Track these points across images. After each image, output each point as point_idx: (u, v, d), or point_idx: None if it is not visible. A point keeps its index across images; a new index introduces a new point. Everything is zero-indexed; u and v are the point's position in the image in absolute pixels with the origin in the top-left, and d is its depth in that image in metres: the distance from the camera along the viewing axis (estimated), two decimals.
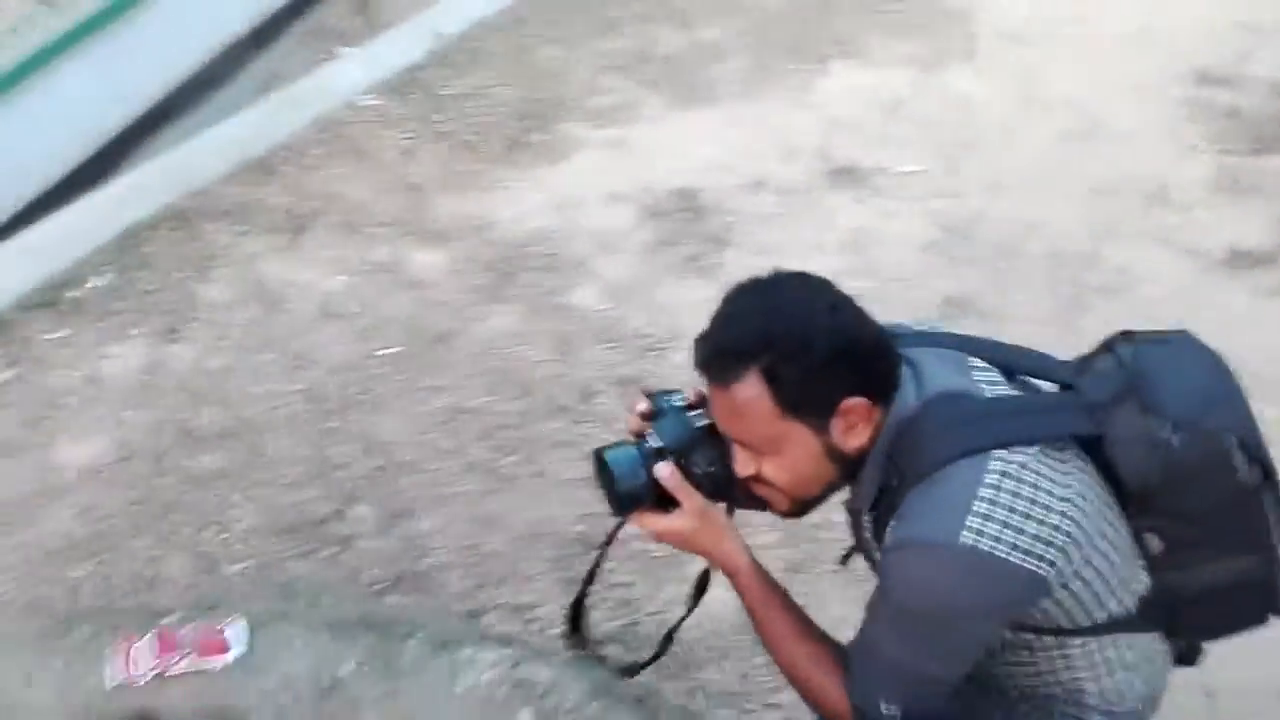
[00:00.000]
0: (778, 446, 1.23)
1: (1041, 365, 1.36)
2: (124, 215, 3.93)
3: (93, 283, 3.73)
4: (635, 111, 4.48)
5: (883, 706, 1.19)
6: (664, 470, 1.28)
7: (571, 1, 5.19)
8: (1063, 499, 1.21)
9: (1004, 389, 1.30)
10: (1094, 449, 1.27)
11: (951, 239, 3.65)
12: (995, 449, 1.20)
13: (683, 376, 3.08)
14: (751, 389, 1.20)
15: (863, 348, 1.23)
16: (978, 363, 1.32)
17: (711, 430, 1.29)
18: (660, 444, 1.29)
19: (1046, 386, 1.34)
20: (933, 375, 1.27)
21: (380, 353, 3.41)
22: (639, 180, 4.08)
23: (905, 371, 1.27)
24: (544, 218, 3.92)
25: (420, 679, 1.15)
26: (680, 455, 1.29)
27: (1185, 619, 1.35)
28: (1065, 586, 1.22)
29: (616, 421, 3.10)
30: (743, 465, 1.28)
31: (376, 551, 2.80)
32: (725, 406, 1.24)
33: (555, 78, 4.73)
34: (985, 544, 1.15)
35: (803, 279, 1.27)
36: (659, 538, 1.33)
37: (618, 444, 1.32)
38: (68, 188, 4.38)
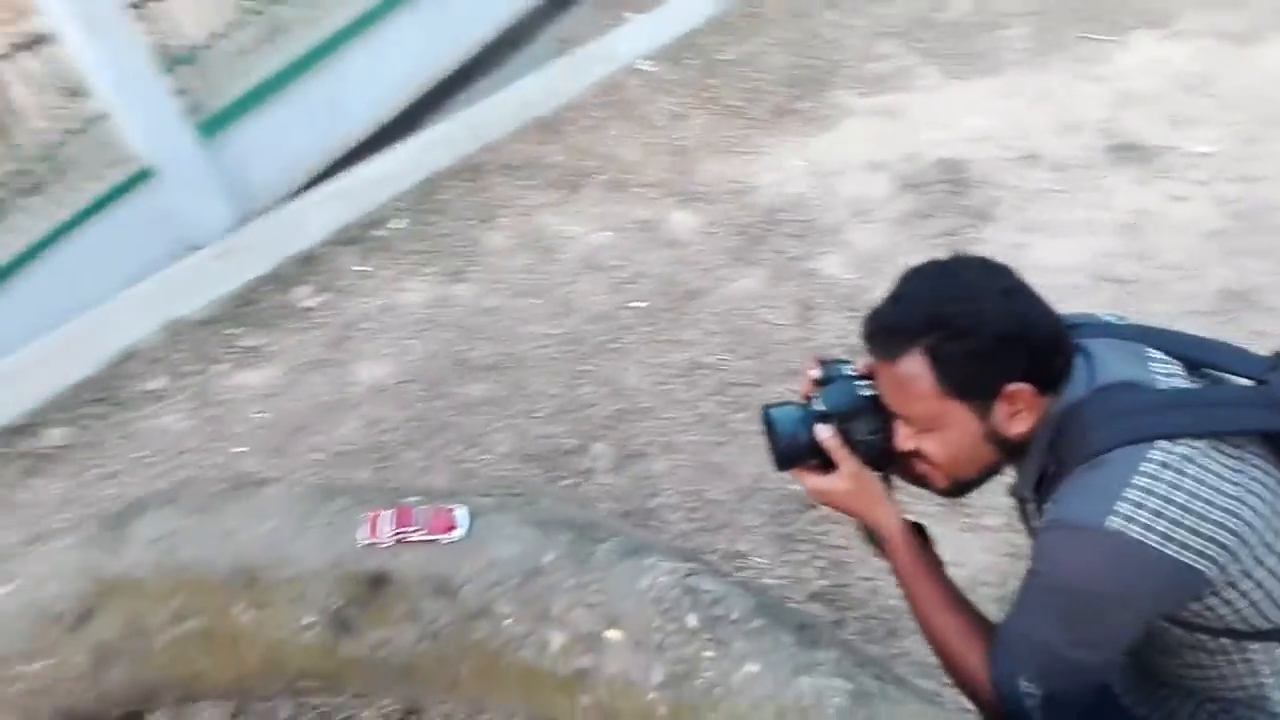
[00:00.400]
0: (938, 425, 1.25)
1: (1233, 360, 1.29)
2: (425, 165, 4.38)
3: (394, 224, 4.20)
4: (908, 80, 4.41)
5: (1021, 685, 1.19)
6: (824, 432, 1.34)
7: None
8: (1232, 496, 1.16)
9: (1181, 382, 1.25)
10: None
11: (1239, 227, 3.34)
12: (1160, 439, 1.17)
13: None
14: (915, 366, 1.21)
15: (1033, 335, 1.21)
16: (1157, 355, 1.27)
17: (876, 401, 1.32)
18: (824, 408, 1.34)
19: (1237, 382, 1.27)
20: (1105, 365, 1.24)
21: (633, 305, 3.62)
22: (903, 149, 4.03)
23: (1079, 361, 1.25)
24: (802, 184, 3.97)
25: (607, 575, 1.29)
26: (842, 421, 1.33)
27: None
28: (1233, 586, 1.17)
29: None
30: (903, 439, 1.30)
31: (610, 487, 3.02)
32: (889, 381, 1.27)
33: (830, 44, 4.72)
34: (1135, 531, 1.13)
35: (982, 263, 1.27)
36: (815, 496, 1.39)
37: (785, 404, 1.38)
38: (383, 137, 4.93)
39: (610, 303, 3.66)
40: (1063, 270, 3.33)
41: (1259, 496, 1.18)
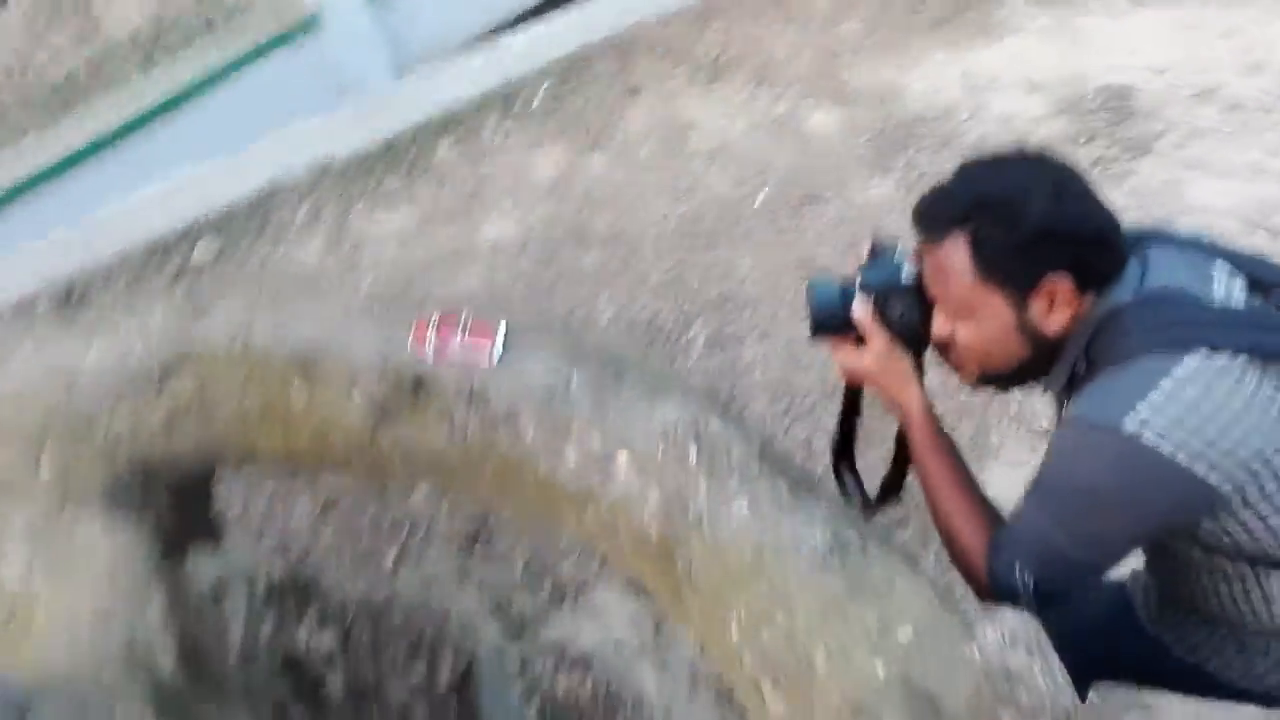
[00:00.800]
0: (973, 311, 1.24)
1: None
2: (576, 38, 4.40)
3: (539, 93, 4.26)
4: (1089, 1, 4.12)
5: (1016, 570, 1.19)
6: (859, 304, 1.34)
7: None
8: (1261, 416, 1.10)
9: (1241, 299, 1.18)
10: None
11: None
12: (1198, 350, 1.12)
13: None
14: (956, 249, 1.21)
15: (1079, 232, 1.18)
16: (1224, 269, 1.21)
17: (918, 283, 1.32)
18: (864, 283, 1.35)
19: None
20: (1159, 272, 1.20)
21: (756, 196, 3.59)
22: (1067, 71, 3.80)
23: (1132, 265, 1.21)
24: (953, 96, 3.81)
25: (625, 405, 1.35)
26: (880, 298, 1.34)
27: None
28: (1252, 509, 1.13)
29: None
30: (939, 325, 1.30)
31: (702, 366, 3.07)
32: (931, 264, 1.27)
33: None
34: (1149, 435, 1.10)
35: (1041, 160, 1.23)
36: (843, 369, 1.40)
37: (828, 276, 1.41)
38: (549, 6, 4.96)
39: (734, 193, 3.64)
40: (1215, 212, 3.11)
41: None
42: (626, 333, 3.25)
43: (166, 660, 1.36)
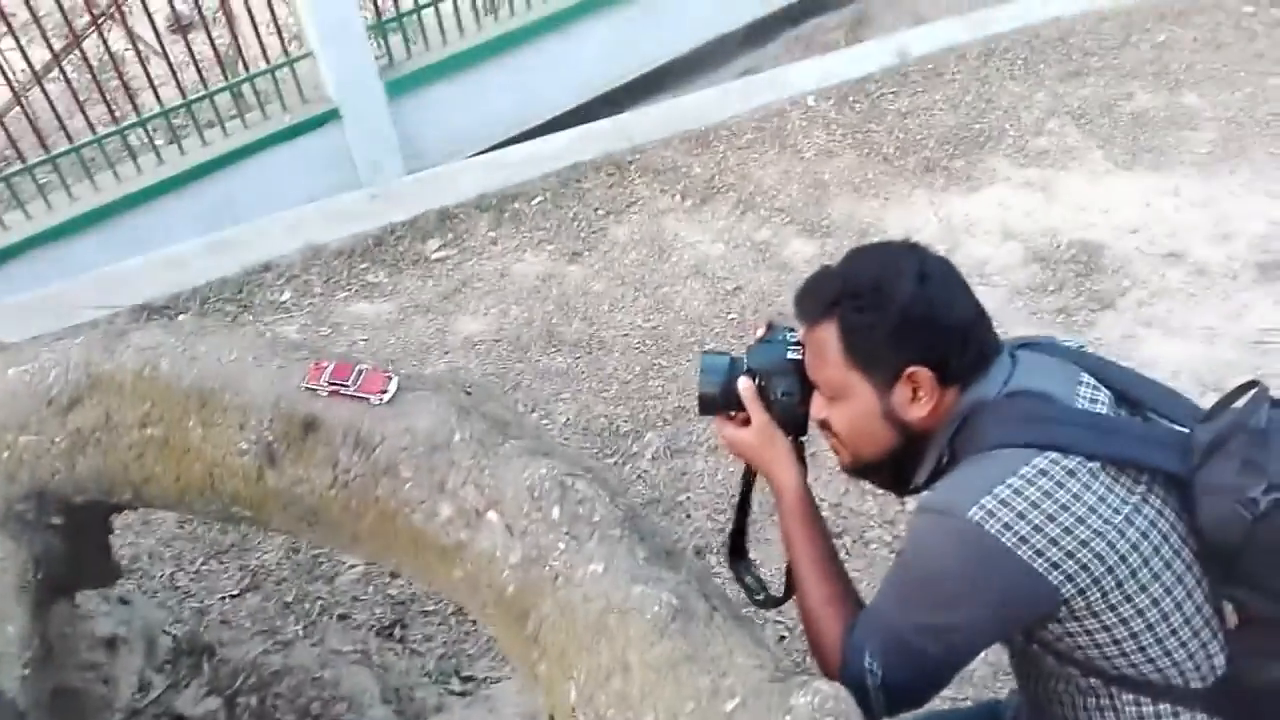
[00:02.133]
0: (843, 394, 1.27)
1: (1170, 405, 1.23)
2: (575, 154, 4.57)
3: (533, 201, 4.39)
4: (1072, 160, 4.26)
5: (866, 659, 1.17)
6: (743, 383, 1.37)
7: (1054, 43, 5.01)
8: (1108, 522, 1.10)
9: (1103, 410, 1.20)
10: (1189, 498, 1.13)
11: None
12: (1052, 449, 1.13)
13: None
14: (827, 332, 1.25)
15: (941, 322, 1.21)
16: (1089, 381, 1.23)
17: (801, 367, 1.35)
18: (750, 363, 1.39)
19: (1165, 424, 1.21)
20: (1027, 374, 1.22)
21: (727, 316, 3.65)
22: (1043, 224, 3.90)
23: (1002, 364, 1.24)
24: (929, 236, 3.90)
25: (502, 464, 1.35)
26: (763, 377, 1.38)
27: (1265, 716, 1.14)
28: (1095, 616, 1.11)
29: None
30: (817, 408, 1.33)
31: (650, 474, 3.06)
32: (809, 345, 1.31)
33: (1004, 113, 4.62)
34: (992, 526, 1.10)
35: (912, 249, 1.28)
36: (726, 443, 1.42)
37: (720, 353, 1.45)
38: (559, 125, 5.18)
39: (707, 310, 3.70)
40: (1168, 369, 3.14)
41: (1143, 533, 1.12)
42: (582, 434, 3.26)
43: (11, 684, 1.33)
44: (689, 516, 2.87)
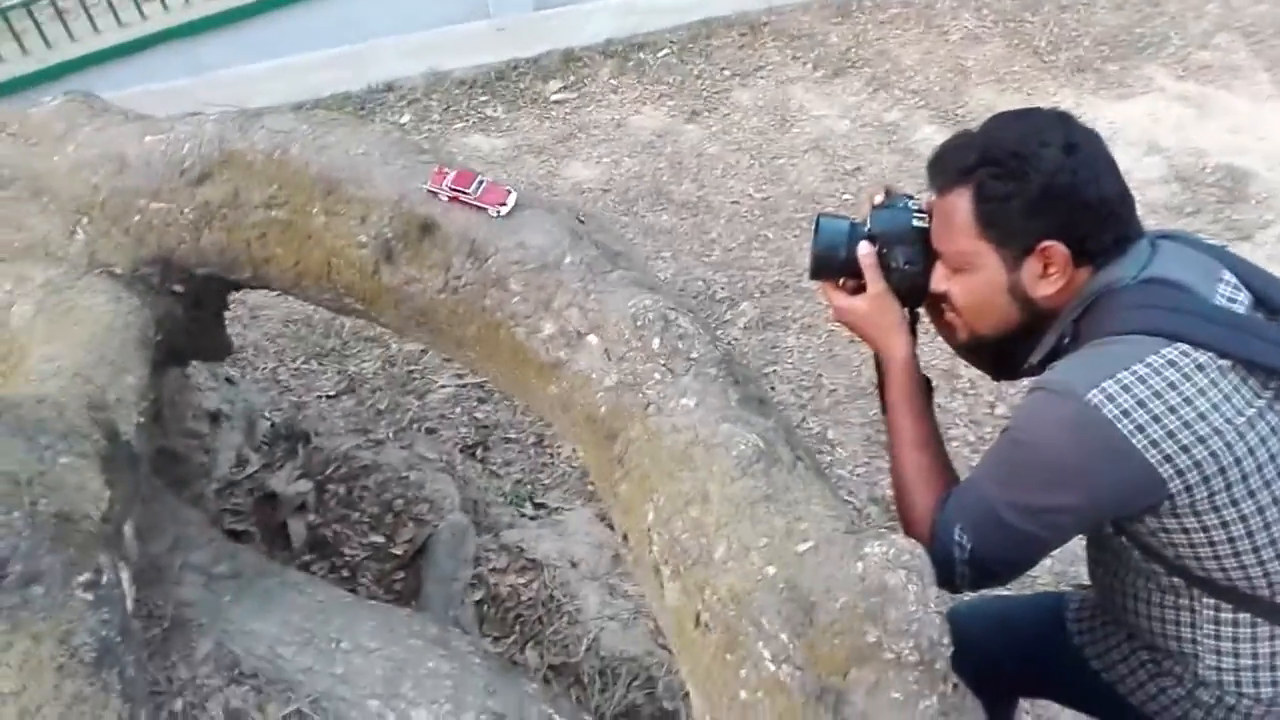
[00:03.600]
0: (969, 265, 1.21)
1: None
2: (710, 8, 4.42)
3: (659, 53, 4.29)
4: (1235, 79, 3.97)
5: (956, 533, 1.16)
6: (863, 248, 1.32)
7: None
8: (1229, 420, 1.06)
9: (1241, 309, 1.14)
10: None
11: None
12: (1183, 341, 1.09)
13: None
14: (960, 199, 1.19)
15: (1083, 198, 1.14)
16: (1231, 280, 1.16)
17: (925, 235, 1.29)
18: (871, 228, 1.33)
19: None
20: (1166, 263, 1.16)
21: (842, 196, 3.56)
22: (1193, 142, 3.67)
23: (1141, 249, 1.17)
24: None
25: (609, 291, 1.36)
26: (884, 244, 1.32)
27: None
28: (1196, 515, 1.08)
29: None
30: (938, 279, 1.27)
31: (740, 343, 3.06)
32: (938, 213, 1.25)
33: (1170, 19, 4.31)
34: (1110, 411, 1.06)
35: (1061, 119, 1.19)
36: (837, 313, 1.38)
37: (838, 216, 1.38)
38: None
39: (821, 187, 3.62)
40: None
41: (1262, 440, 1.09)
42: (679, 294, 3.25)
43: (128, 429, 1.42)
44: (773, 389, 2.87)
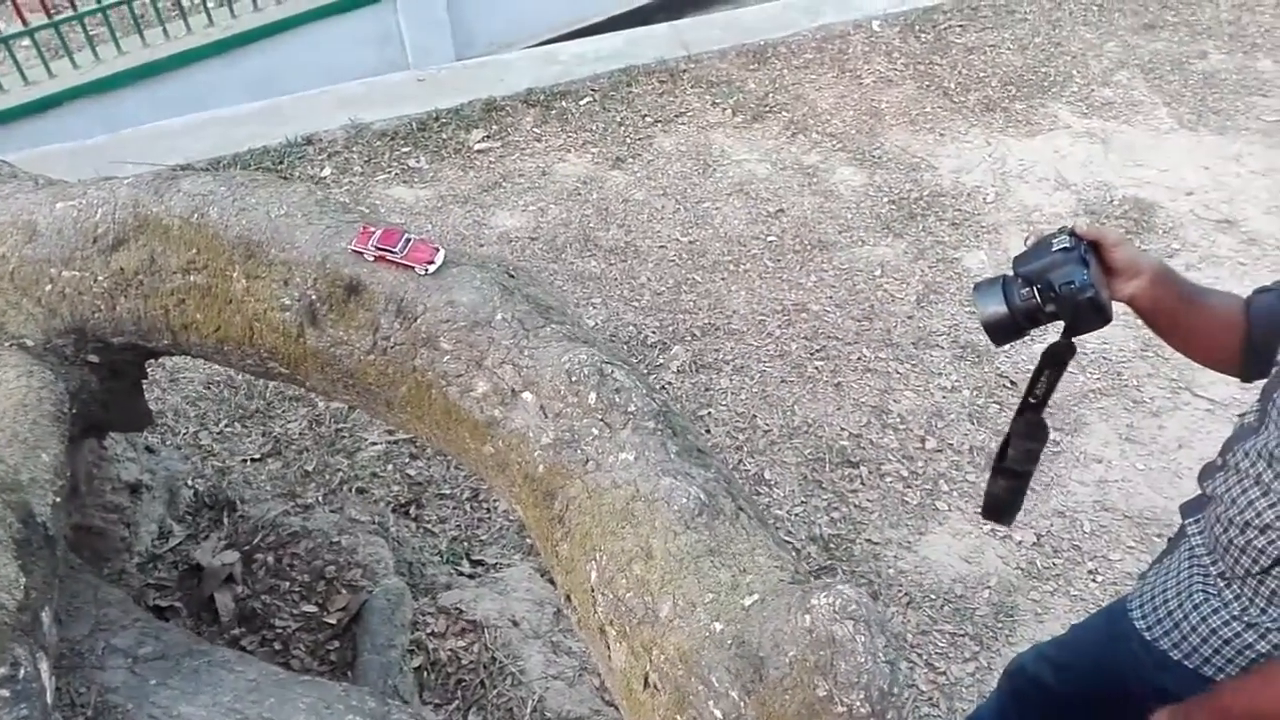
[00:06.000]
0: None
1: None
2: (629, 57, 4.47)
3: (581, 101, 4.32)
4: (1135, 114, 4.15)
5: None
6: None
7: None
8: None
9: None
10: None
11: None
12: None
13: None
14: None
15: None
16: None
17: (1075, 254, 1.26)
18: (1017, 273, 1.30)
19: None
20: None
21: (766, 238, 3.61)
22: (1098, 177, 3.81)
23: None
24: (981, 179, 3.83)
25: (541, 346, 1.34)
26: (1036, 280, 1.28)
27: None
28: None
29: (939, 375, 3.04)
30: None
31: (674, 387, 3.06)
32: None
33: (1071, 58, 4.49)
34: None
35: None
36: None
37: (989, 280, 1.35)
38: (615, 25, 5.06)
39: (746, 231, 3.66)
40: None
41: None
42: (610, 341, 3.25)
43: (43, 509, 1.35)
44: (709, 431, 2.88)
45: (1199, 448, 2.80)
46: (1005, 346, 1.37)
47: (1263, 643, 1.26)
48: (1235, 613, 1.29)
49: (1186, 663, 1.34)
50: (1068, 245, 1.27)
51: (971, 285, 1.38)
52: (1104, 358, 3.09)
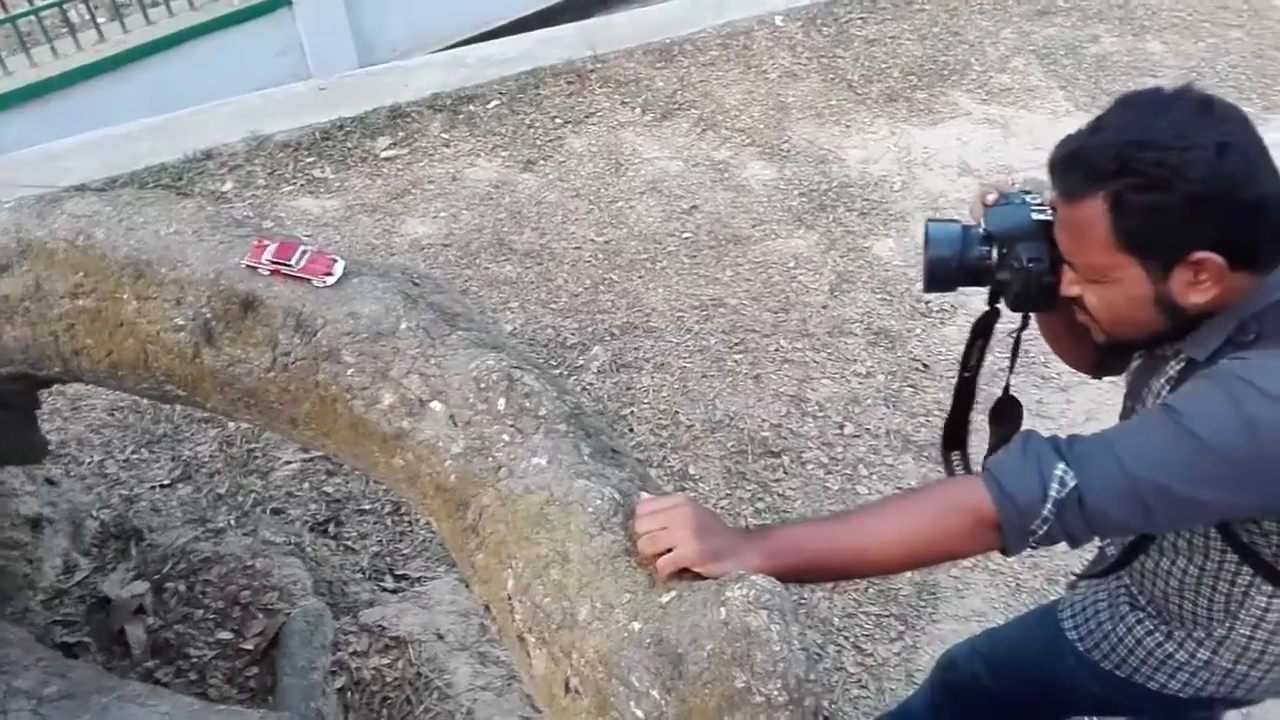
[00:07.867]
0: (1106, 278, 1.10)
1: None
2: (534, 58, 4.45)
3: (489, 104, 4.28)
4: (1032, 98, 4.27)
5: (1059, 468, 1.01)
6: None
7: None
8: None
9: None
10: None
11: None
12: None
13: (949, 349, 2.96)
14: (1093, 210, 1.06)
15: (1240, 201, 1.01)
16: None
17: (1049, 229, 1.17)
18: (987, 228, 1.22)
19: None
20: None
21: (681, 235, 3.62)
22: (999, 160, 3.91)
23: None
24: (887, 168, 3.90)
25: (448, 355, 1.32)
26: (1003, 243, 1.20)
27: None
28: None
29: (854, 362, 3.09)
30: (1068, 284, 1.16)
31: (595, 388, 3.05)
32: (1065, 221, 1.12)
33: (969, 46, 4.60)
34: None
35: (1205, 105, 1.04)
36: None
37: (948, 221, 1.26)
38: (520, 28, 5.03)
39: (660, 228, 3.67)
40: None
41: None
42: (529, 344, 3.23)
43: None
44: (632, 430, 2.87)
45: (1105, 419, 2.88)
46: (933, 295, 1.30)
47: (1181, 651, 1.32)
48: (1155, 625, 1.34)
49: (1118, 672, 1.38)
50: (1047, 218, 1.19)
51: (924, 221, 1.30)
52: (1010, 336, 3.16)
